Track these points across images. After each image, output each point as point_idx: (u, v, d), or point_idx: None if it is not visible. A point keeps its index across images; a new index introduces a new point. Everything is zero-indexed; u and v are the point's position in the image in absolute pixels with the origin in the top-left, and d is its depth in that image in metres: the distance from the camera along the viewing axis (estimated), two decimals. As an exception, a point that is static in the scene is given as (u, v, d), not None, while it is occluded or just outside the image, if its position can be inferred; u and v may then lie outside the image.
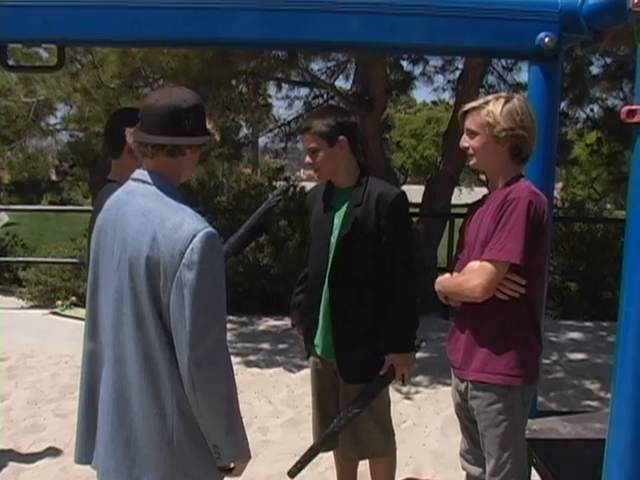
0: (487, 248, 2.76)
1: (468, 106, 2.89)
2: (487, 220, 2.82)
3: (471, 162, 2.94)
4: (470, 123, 2.87)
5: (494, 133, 2.78)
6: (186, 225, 2.09)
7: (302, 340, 3.66)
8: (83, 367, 2.38)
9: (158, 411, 2.16)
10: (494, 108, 2.78)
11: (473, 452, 3.10)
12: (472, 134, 2.86)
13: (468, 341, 2.90)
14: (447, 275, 3.03)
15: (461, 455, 3.20)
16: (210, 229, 2.12)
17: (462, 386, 2.98)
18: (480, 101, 2.86)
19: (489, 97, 2.86)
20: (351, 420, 3.38)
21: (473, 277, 2.77)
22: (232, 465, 2.28)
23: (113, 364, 2.23)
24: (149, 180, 2.21)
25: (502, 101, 2.80)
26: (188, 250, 2.06)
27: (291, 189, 10.04)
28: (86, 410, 2.37)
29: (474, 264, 2.82)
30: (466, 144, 2.90)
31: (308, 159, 3.34)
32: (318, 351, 3.49)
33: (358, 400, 3.36)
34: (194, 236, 2.07)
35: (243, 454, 2.28)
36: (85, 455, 2.37)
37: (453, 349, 3.01)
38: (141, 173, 2.25)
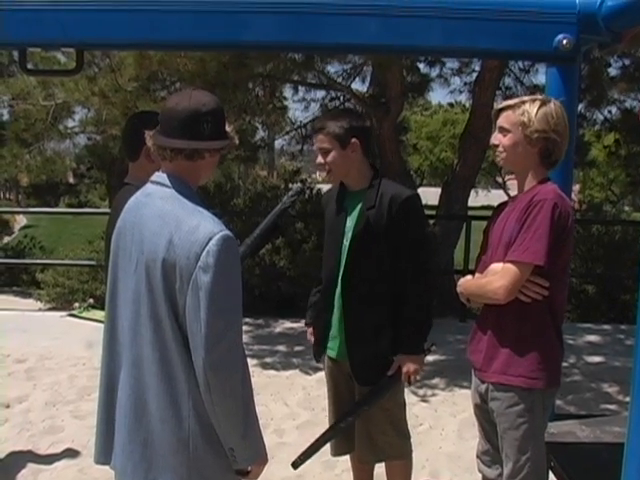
0: (511, 249, 2.75)
1: (504, 104, 2.89)
2: (512, 221, 2.81)
3: (500, 161, 2.94)
4: (503, 121, 2.86)
5: (527, 133, 2.78)
6: (202, 228, 2.10)
7: (312, 337, 3.67)
8: (102, 368, 2.39)
9: (174, 413, 2.17)
10: (530, 109, 2.78)
11: (490, 454, 3.10)
12: (504, 132, 2.86)
13: (490, 343, 2.89)
14: (469, 277, 3.03)
15: (478, 457, 3.19)
16: (226, 232, 2.12)
17: (482, 387, 2.97)
18: (516, 100, 2.86)
19: (525, 98, 2.86)
20: (357, 416, 3.39)
21: (496, 279, 2.77)
22: (249, 468, 2.27)
23: (130, 366, 2.24)
24: (167, 183, 2.22)
25: (538, 103, 2.79)
26: (204, 253, 2.06)
27: (307, 191, 10.04)
28: (105, 411, 2.38)
29: (497, 265, 2.82)
30: (496, 141, 2.89)
31: (320, 159, 3.34)
32: (332, 354, 3.49)
33: (366, 398, 3.36)
34: (210, 239, 2.08)
35: (260, 457, 2.28)
36: (104, 456, 2.39)
37: (474, 350, 3.01)
38: (160, 176, 2.26)
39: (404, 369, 3.32)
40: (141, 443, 2.22)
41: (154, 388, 2.18)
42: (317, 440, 3.55)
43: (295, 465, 3.57)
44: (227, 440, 2.19)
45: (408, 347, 3.33)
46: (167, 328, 2.14)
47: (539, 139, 2.78)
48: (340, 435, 3.53)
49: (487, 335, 2.91)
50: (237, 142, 2.31)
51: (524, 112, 2.78)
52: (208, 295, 2.06)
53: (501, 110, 2.89)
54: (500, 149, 2.88)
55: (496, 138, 2.90)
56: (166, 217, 2.15)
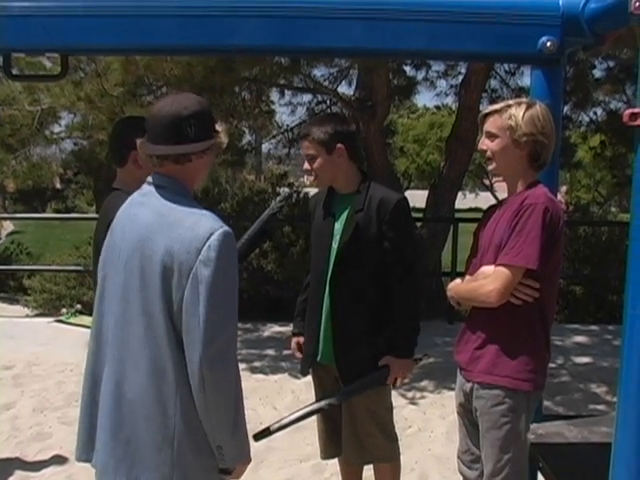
0: (502, 253, 2.75)
1: (490, 108, 2.90)
2: (503, 224, 2.81)
3: (490, 167, 2.94)
4: (490, 126, 2.86)
5: (514, 137, 2.78)
6: (203, 223, 2.14)
7: (296, 350, 3.67)
8: (87, 365, 2.38)
9: (161, 411, 2.16)
10: (516, 112, 2.78)
11: (470, 454, 3.09)
12: (492, 137, 2.86)
13: (477, 343, 2.90)
14: (458, 280, 3.03)
15: (458, 457, 3.19)
16: (227, 228, 2.17)
17: (467, 386, 2.97)
18: (502, 104, 2.87)
19: (510, 101, 2.86)
20: (334, 406, 3.36)
21: (488, 282, 2.77)
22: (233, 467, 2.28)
23: (116, 362, 2.23)
24: (163, 183, 2.25)
25: (524, 106, 2.80)
26: (205, 247, 2.09)
27: (295, 195, 10.05)
28: (88, 407, 2.37)
29: (488, 269, 2.82)
30: (484, 147, 2.89)
31: (306, 165, 3.35)
32: (321, 359, 3.48)
33: (345, 390, 3.35)
34: (211, 234, 2.11)
35: (245, 456, 2.29)
36: (85, 453, 2.38)
37: (462, 350, 3.01)
38: (156, 177, 2.29)
39: (392, 372, 3.33)
40: (124, 440, 2.21)
41: (141, 385, 2.17)
42: (286, 419, 3.40)
43: (256, 438, 3.28)
44: (216, 438, 2.19)
45: (397, 349, 3.34)
46: (159, 325, 2.14)
47: (527, 142, 2.78)
48: (315, 415, 3.49)
49: (475, 335, 2.92)
50: (226, 140, 2.33)
51: (511, 116, 2.78)
52: (208, 289, 2.07)
53: (487, 115, 2.89)
54: (489, 154, 2.88)
55: (484, 143, 2.90)
56: (164, 215, 2.17)
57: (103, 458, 2.27)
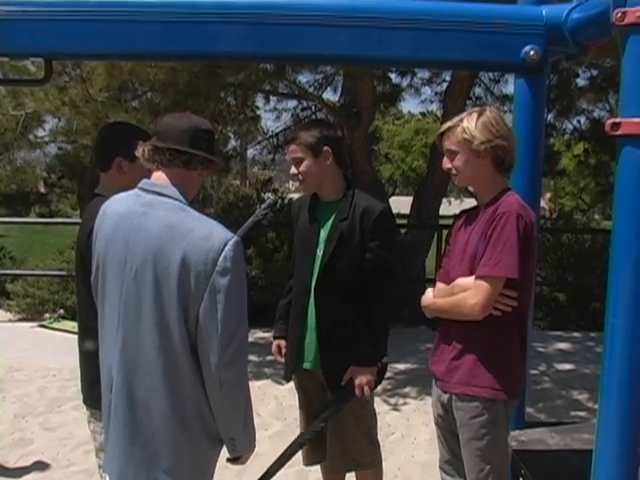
0: (480, 264, 2.73)
1: (444, 127, 2.90)
2: (477, 234, 2.81)
3: (456, 181, 2.94)
4: (449, 144, 2.87)
5: (473, 148, 2.78)
6: (216, 234, 2.23)
7: (278, 353, 3.68)
8: (102, 380, 2.44)
9: (178, 412, 2.28)
10: (468, 124, 2.79)
11: (452, 464, 3.09)
12: (452, 154, 2.87)
13: (453, 353, 2.88)
14: (430, 292, 3.01)
15: (440, 468, 3.18)
16: (236, 237, 2.27)
17: (445, 397, 2.96)
18: (454, 120, 2.87)
19: (462, 115, 2.88)
20: (316, 433, 3.39)
21: (470, 295, 2.74)
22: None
23: (128, 371, 2.30)
24: (167, 193, 2.29)
25: (475, 115, 2.81)
26: (221, 258, 2.19)
27: (279, 201, 10.05)
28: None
29: (464, 281, 2.81)
30: (448, 165, 2.91)
31: (293, 170, 3.36)
32: (306, 365, 3.48)
33: (323, 413, 3.37)
34: (225, 244, 2.21)
35: (253, 446, 2.47)
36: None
37: (437, 361, 3.00)
38: (155, 185, 2.32)
39: (356, 381, 3.31)
40: (142, 444, 2.32)
41: (156, 390, 2.27)
42: (278, 459, 3.50)
43: None
44: (230, 431, 2.36)
45: (360, 359, 3.33)
46: (175, 333, 2.23)
47: (487, 150, 2.78)
48: (303, 447, 3.52)
49: (451, 346, 2.90)
50: (223, 165, 2.43)
51: (464, 129, 2.79)
52: (225, 297, 2.20)
53: (443, 134, 2.90)
54: (453, 172, 2.90)
55: (446, 162, 2.91)
56: (176, 227, 2.23)
57: (121, 465, 2.36)
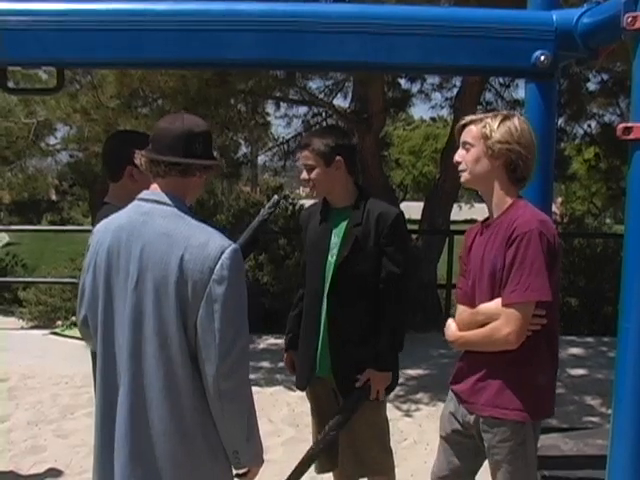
0: (507, 290, 2.59)
1: (467, 119, 2.80)
2: (493, 250, 2.67)
3: (462, 178, 2.82)
4: (466, 136, 2.76)
5: (488, 144, 2.67)
6: (212, 242, 2.20)
7: (290, 367, 3.70)
8: (98, 391, 2.37)
9: (179, 426, 2.23)
10: (492, 122, 2.69)
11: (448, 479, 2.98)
12: (467, 146, 2.75)
13: (480, 373, 2.75)
14: (453, 328, 2.84)
15: None
16: (234, 245, 2.24)
17: (470, 418, 2.81)
18: (479, 115, 2.79)
19: (490, 114, 2.78)
20: (331, 440, 3.38)
21: (501, 325, 2.60)
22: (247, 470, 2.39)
23: (129, 382, 2.25)
24: (165, 200, 2.27)
25: (501, 117, 2.71)
26: (218, 266, 2.16)
27: (290, 207, 10.06)
28: (103, 434, 2.36)
29: (489, 307, 2.67)
30: (459, 158, 2.79)
31: (304, 175, 3.37)
32: (318, 372, 3.47)
33: (336, 419, 3.35)
34: (222, 252, 2.18)
35: (260, 459, 2.40)
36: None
37: (461, 380, 2.86)
38: (154, 194, 2.30)
39: (373, 385, 3.31)
40: (144, 459, 2.26)
41: (157, 402, 2.22)
42: (295, 470, 3.49)
43: None
44: (233, 444, 2.28)
45: (379, 363, 3.33)
46: (174, 343, 2.20)
47: (501, 151, 2.65)
48: (319, 456, 3.50)
49: (476, 365, 2.77)
50: (224, 165, 2.39)
51: (486, 125, 2.69)
52: (222, 306, 2.15)
53: (464, 126, 2.80)
54: (462, 167, 2.78)
55: (459, 155, 2.80)
56: (173, 235, 2.20)
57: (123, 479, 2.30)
